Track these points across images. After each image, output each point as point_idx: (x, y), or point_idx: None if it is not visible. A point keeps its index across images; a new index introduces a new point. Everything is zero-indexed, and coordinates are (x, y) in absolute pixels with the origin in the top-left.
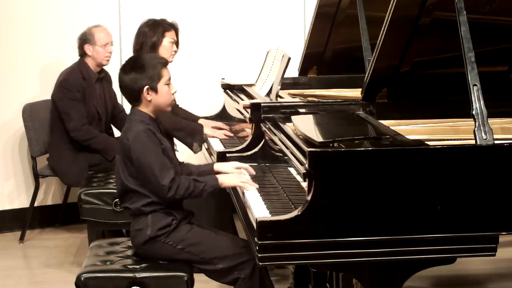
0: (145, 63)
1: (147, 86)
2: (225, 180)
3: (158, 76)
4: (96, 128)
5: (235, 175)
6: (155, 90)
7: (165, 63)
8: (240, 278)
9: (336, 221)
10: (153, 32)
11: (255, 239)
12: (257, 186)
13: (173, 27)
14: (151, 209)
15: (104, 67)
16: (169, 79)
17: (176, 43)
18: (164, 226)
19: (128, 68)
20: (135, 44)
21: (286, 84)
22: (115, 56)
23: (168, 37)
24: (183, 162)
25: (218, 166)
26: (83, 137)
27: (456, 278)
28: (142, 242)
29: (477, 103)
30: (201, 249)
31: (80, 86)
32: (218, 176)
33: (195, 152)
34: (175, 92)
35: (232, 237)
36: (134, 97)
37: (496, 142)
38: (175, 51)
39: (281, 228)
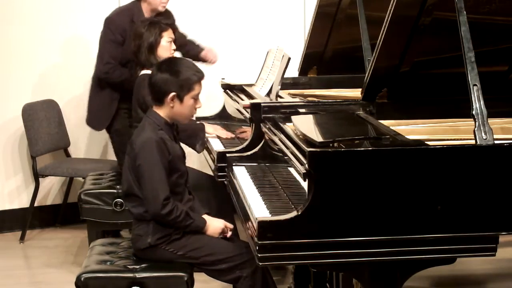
0: (182, 70)
1: (174, 93)
2: (209, 227)
3: (189, 87)
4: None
5: (220, 226)
6: (180, 99)
7: (201, 77)
8: (242, 276)
9: (336, 221)
10: (149, 33)
11: (255, 239)
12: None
13: (169, 25)
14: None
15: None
16: (198, 94)
17: (175, 41)
18: (165, 235)
19: (164, 67)
20: (132, 46)
21: (286, 84)
22: None
23: (166, 37)
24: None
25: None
26: (116, 79)
27: (456, 278)
28: (142, 248)
29: (477, 103)
30: (202, 254)
31: (123, 29)
32: (207, 220)
33: (198, 152)
34: (199, 107)
35: (233, 239)
36: (159, 98)
37: (496, 142)
38: (174, 50)
39: (281, 228)
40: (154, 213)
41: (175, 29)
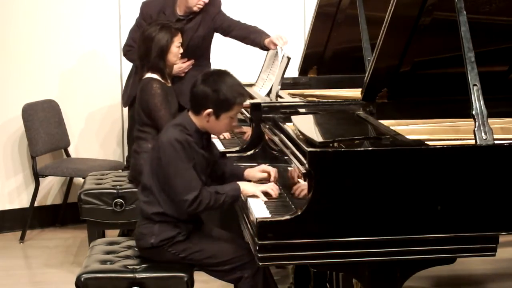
0: (224, 89)
1: (211, 110)
2: (245, 188)
3: (228, 108)
4: None
5: (256, 184)
6: (216, 116)
7: (242, 101)
8: (244, 277)
9: (336, 221)
10: (161, 37)
11: (255, 239)
12: (277, 193)
13: (179, 30)
14: (159, 219)
15: None
16: (236, 114)
17: (182, 45)
18: (168, 238)
19: (209, 80)
20: (141, 47)
21: (286, 84)
22: (115, 55)
23: (176, 42)
24: (217, 160)
25: (246, 173)
26: (131, 61)
27: (456, 278)
28: (144, 247)
29: (477, 103)
30: (203, 256)
31: (149, 17)
32: (240, 183)
33: None
34: (234, 125)
35: (235, 240)
36: (196, 109)
37: (496, 142)
38: (181, 53)
39: (281, 228)
40: (186, 211)
41: (183, 33)
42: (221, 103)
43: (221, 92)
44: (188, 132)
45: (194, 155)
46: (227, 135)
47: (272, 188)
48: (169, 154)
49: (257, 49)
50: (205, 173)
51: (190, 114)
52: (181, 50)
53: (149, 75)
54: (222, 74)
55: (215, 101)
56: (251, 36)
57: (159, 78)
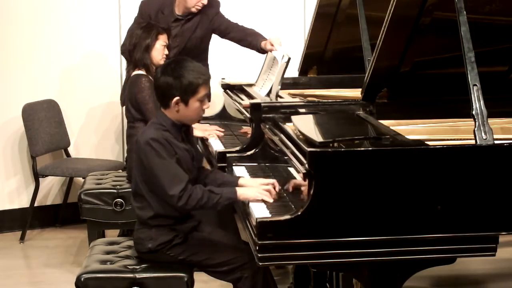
0: (185, 72)
1: (178, 98)
2: (244, 193)
3: (193, 91)
4: None
5: (255, 188)
6: (185, 103)
7: (206, 80)
8: (243, 277)
9: (336, 221)
10: (147, 34)
11: (255, 239)
12: (277, 189)
13: (166, 30)
14: (156, 223)
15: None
16: (205, 95)
17: (168, 47)
18: (166, 242)
19: (168, 69)
20: (127, 44)
21: (286, 84)
22: (115, 55)
23: (161, 40)
24: (213, 169)
25: (242, 181)
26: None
27: (456, 278)
28: (142, 251)
29: (477, 103)
30: (202, 257)
31: (147, 16)
32: (237, 188)
33: None
34: (206, 107)
35: (234, 241)
36: (164, 101)
37: (496, 142)
38: (166, 55)
39: (281, 228)
40: (177, 207)
41: (170, 35)
42: (186, 88)
43: (183, 77)
44: (164, 128)
45: (176, 150)
46: (214, 133)
47: (274, 186)
48: (148, 154)
49: None
50: (192, 168)
51: (163, 110)
52: (166, 52)
53: (136, 72)
54: (180, 61)
55: (179, 88)
56: (248, 39)
57: (147, 74)
